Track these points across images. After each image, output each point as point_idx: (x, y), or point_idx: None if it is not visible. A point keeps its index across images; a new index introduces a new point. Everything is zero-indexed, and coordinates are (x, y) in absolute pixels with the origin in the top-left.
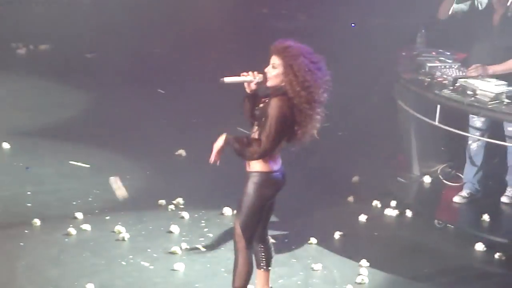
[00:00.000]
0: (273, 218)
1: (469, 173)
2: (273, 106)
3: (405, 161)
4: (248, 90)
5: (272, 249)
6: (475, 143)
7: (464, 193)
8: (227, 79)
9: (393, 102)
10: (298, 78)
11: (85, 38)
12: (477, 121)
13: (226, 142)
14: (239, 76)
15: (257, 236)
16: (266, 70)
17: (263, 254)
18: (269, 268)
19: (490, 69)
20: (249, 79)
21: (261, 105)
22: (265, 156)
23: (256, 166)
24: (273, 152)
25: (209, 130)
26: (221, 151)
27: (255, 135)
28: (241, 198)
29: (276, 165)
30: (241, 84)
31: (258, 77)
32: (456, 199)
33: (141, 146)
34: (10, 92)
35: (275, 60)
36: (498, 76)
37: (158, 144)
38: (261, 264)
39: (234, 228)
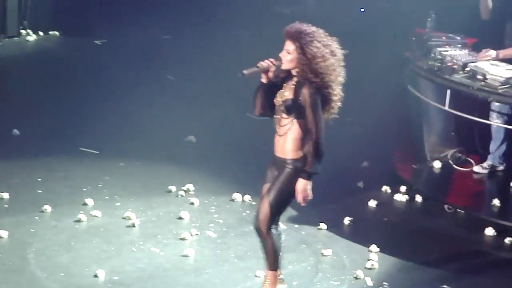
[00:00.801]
0: None
1: (492, 147)
2: (307, 95)
3: (410, 149)
4: (264, 80)
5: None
6: (498, 119)
7: (485, 164)
8: (247, 71)
9: (403, 87)
10: (312, 65)
11: (95, 25)
12: (497, 105)
13: (309, 182)
14: (257, 65)
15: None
16: (280, 55)
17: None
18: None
19: (501, 54)
20: (266, 66)
21: (286, 93)
22: (323, 141)
23: (293, 153)
24: (304, 137)
25: (218, 116)
26: (307, 195)
27: (284, 126)
28: (274, 183)
29: None
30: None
31: (277, 63)
32: (476, 168)
33: (151, 133)
34: (16, 78)
35: (289, 45)
36: (509, 61)
37: (168, 130)
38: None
39: (257, 214)
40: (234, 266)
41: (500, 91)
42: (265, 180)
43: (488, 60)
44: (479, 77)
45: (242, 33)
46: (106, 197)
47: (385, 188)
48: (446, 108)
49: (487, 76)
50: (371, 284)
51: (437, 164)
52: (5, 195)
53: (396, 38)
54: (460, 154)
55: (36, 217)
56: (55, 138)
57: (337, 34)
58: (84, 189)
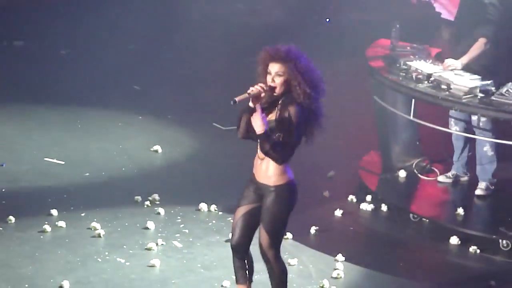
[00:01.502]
0: None
1: (455, 156)
2: (294, 113)
3: (375, 159)
4: (252, 105)
5: (252, 260)
6: (456, 125)
7: (450, 173)
8: (238, 98)
9: (368, 96)
10: (306, 80)
11: (60, 35)
12: (454, 112)
13: (260, 130)
14: (247, 92)
15: (242, 249)
16: (270, 79)
17: (247, 267)
18: (252, 281)
19: (464, 60)
20: (257, 92)
21: (272, 115)
22: (285, 161)
23: (276, 179)
24: (289, 160)
25: (184, 127)
26: (252, 98)
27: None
28: (264, 213)
29: (292, 173)
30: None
31: (266, 87)
32: (441, 178)
33: (116, 143)
34: None
35: (277, 67)
36: (475, 69)
37: (134, 140)
38: (245, 278)
39: (260, 244)
40: (201, 276)
41: (464, 100)
42: (241, 200)
43: (452, 70)
44: (444, 87)
45: (210, 43)
46: (71, 208)
47: (351, 198)
48: (411, 117)
49: (452, 86)
50: None
51: (402, 174)
52: None
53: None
54: (425, 164)
55: (0, 228)
56: (20, 148)
57: (304, 45)
58: (49, 200)
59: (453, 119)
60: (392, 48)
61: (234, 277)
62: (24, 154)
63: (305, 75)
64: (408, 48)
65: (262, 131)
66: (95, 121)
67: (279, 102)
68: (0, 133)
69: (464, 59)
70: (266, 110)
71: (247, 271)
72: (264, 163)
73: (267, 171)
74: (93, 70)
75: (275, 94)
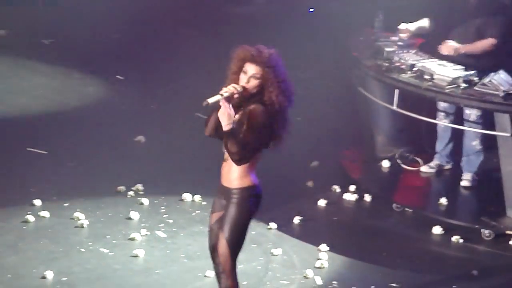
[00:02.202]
0: None
1: (439, 147)
2: (253, 115)
3: (356, 153)
4: (223, 104)
5: None
6: (445, 118)
7: (433, 163)
8: (211, 100)
9: (352, 87)
10: (282, 88)
11: (43, 24)
12: (444, 105)
13: (227, 124)
14: (220, 93)
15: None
16: (244, 80)
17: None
18: None
19: (462, 49)
20: (231, 93)
21: (236, 116)
22: (242, 161)
23: (238, 182)
24: (251, 162)
25: (168, 116)
26: (225, 99)
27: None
28: (224, 218)
29: (256, 178)
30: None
31: (240, 88)
32: (424, 168)
33: (100, 132)
34: None
35: (256, 70)
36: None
37: (117, 130)
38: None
39: (216, 250)
40: (184, 266)
41: (447, 91)
42: (213, 209)
43: (450, 51)
44: (427, 77)
45: (192, 32)
46: (54, 198)
47: (335, 188)
48: (394, 107)
49: (434, 76)
50: (321, 283)
51: (385, 164)
52: None
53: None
54: (408, 154)
55: None
56: (2, 138)
57: (287, 34)
58: (32, 190)
59: (442, 113)
60: (376, 38)
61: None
62: (6, 143)
63: (281, 84)
64: (392, 38)
65: (229, 127)
66: (77, 111)
67: (248, 103)
68: None
69: (466, 48)
70: (235, 109)
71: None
72: (227, 165)
73: (229, 173)
74: (75, 58)
75: (247, 95)
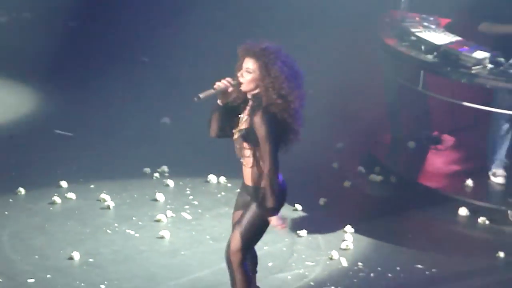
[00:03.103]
0: None
1: (500, 153)
2: (259, 124)
3: (381, 134)
4: (221, 102)
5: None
6: (506, 123)
7: (498, 171)
8: (203, 94)
9: (377, 68)
10: (275, 86)
11: (68, 6)
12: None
13: (275, 215)
14: (213, 87)
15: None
16: (239, 74)
17: (252, 259)
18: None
19: (495, 28)
20: (224, 87)
21: (243, 122)
22: (275, 173)
23: (259, 180)
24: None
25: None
26: (281, 224)
27: (248, 157)
28: (245, 213)
29: (280, 175)
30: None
31: (234, 82)
32: (499, 180)
33: (125, 115)
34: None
35: (249, 63)
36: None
37: (143, 112)
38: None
39: (228, 244)
40: (210, 247)
41: (473, 71)
42: (235, 205)
43: (483, 29)
44: (452, 58)
45: (217, 13)
46: (81, 179)
47: (360, 169)
48: (420, 88)
49: (460, 57)
50: (346, 265)
51: (411, 145)
52: None
53: None
54: (434, 135)
55: (10, 200)
56: (30, 120)
57: (311, 14)
58: (58, 172)
59: (502, 120)
60: (401, 19)
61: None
62: (33, 126)
63: (275, 80)
64: (417, 18)
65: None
66: (103, 92)
67: (249, 105)
68: (10, 104)
69: (500, 29)
70: (238, 110)
71: (252, 262)
72: (250, 168)
73: (254, 174)
74: (102, 41)
75: (242, 90)
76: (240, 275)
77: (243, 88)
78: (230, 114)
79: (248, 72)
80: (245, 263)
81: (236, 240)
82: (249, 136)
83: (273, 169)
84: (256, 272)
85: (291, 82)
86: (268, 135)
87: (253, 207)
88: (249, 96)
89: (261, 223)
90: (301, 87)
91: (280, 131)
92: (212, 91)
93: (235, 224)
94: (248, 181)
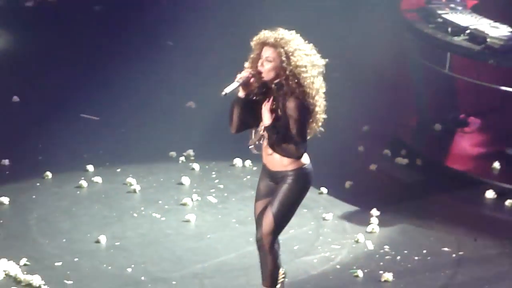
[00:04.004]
0: None
1: None
2: (293, 110)
3: (410, 113)
4: (242, 94)
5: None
6: None
7: None
8: (228, 89)
9: (403, 50)
10: (295, 74)
11: None
12: None
13: (269, 123)
14: (237, 80)
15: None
16: (259, 64)
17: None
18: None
19: None
20: (246, 78)
21: (268, 116)
22: (302, 154)
23: (292, 165)
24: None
25: (218, 82)
26: (242, 86)
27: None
28: (276, 195)
29: (307, 157)
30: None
31: (254, 72)
32: None
33: (151, 98)
34: (19, 45)
35: (269, 52)
36: None
37: (168, 96)
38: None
39: (259, 228)
40: (235, 231)
41: (500, 53)
42: (257, 195)
43: None
44: (480, 39)
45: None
46: (107, 163)
47: (386, 152)
48: (447, 71)
49: (488, 39)
50: (372, 248)
51: (437, 127)
52: (6, 162)
53: None
54: (461, 117)
55: (37, 184)
56: (56, 104)
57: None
58: (85, 156)
59: None
60: (428, 0)
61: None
62: (60, 110)
63: (294, 68)
64: (444, 0)
65: (269, 123)
66: (128, 77)
67: (277, 94)
68: (35, 90)
69: None
70: (258, 102)
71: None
72: (276, 155)
73: (281, 159)
74: (126, 25)
75: (263, 79)
76: (272, 256)
77: (264, 77)
78: (251, 106)
79: (268, 61)
80: (275, 247)
81: (269, 222)
82: (282, 123)
83: (301, 154)
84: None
85: (310, 70)
86: (301, 118)
87: (284, 189)
88: (271, 84)
89: (294, 202)
90: (319, 74)
91: (308, 116)
92: (236, 83)
93: (259, 215)
94: (278, 167)
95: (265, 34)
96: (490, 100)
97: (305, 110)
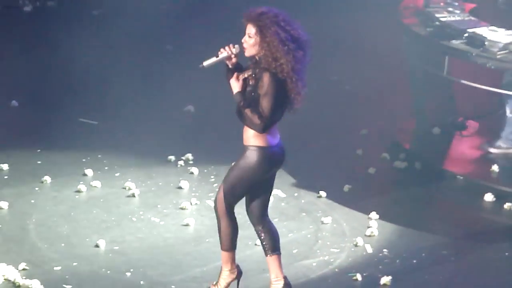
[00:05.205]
0: (282, 173)
1: (507, 130)
2: (265, 82)
3: (409, 116)
4: (230, 65)
5: (275, 230)
6: None
7: (499, 144)
8: (206, 62)
9: (401, 53)
10: (271, 49)
11: None
12: None
13: (236, 91)
14: (217, 55)
15: (255, 218)
16: (242, 40)
17: (263, 238)
18: (275, 252)
19: None
20: (226, 55)
21: (250, 81)
22: (265, 130)
23: (252, 140)
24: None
25: (217, 86)
26: (233, 80)
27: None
28: (232, 167)
29: (274, 139)
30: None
31: (235, 50)
32: (492, 150)
33: (149, 103)
34: (16, 50)
35: (250, 28)
36: None
37: (167, 100)
38: (265, 250)
39: (217, 192)
40: None
41: (498, 56)
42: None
43: None
44: (478, 43)
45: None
46: (106, 168)
47: (384, 155)
48: (445, 74)
49: (486, 42)
50: (371, 251)
51: (436, 131)
52: (5, 166)
53: None
54: (459, 120)
55: (36, 188)
56: (54, 108)
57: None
58: (83, 160)
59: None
60: (426, 4)
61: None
62: (58, 114)
63: (271, 43)
64: (442, 4)
65: (236, 91)
66: (127, 81)
67: (256, 69)
68: (33, 95)
69: None
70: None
71: (265, 241)
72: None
73: (247, 132)
74: (125, 30)
75: (246, 55)
76: (224, 221)
77: (246, 53)
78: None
79: (250, 37)
80: (229, 213)
81: (220, 194)
82: (252, 92)
83: (263, 128)
84: (277, 250)
85: (286, 45)
86: (270, 93)
87: (239, 162)
88: (256, 58)
89: (244, 176)
90: (300, 49)
91: (283, 91)
92: (215, 58)
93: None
94: (244, 140)
95: (249, 11)
96: (488, 103)
97: (277, 86)
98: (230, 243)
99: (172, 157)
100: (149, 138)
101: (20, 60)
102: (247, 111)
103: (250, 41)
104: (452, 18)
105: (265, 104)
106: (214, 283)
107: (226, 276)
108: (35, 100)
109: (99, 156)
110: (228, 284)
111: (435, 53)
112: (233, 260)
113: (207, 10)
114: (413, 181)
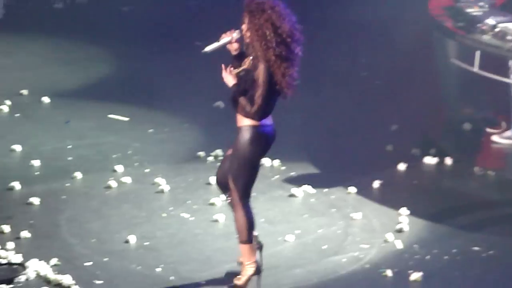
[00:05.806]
0: (312, 169)
1: None
2: (258, 71)
3: (440, 111)
4: (233, 51)
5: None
6: None
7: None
8: (208, 48)
9: (431, 48)
10: (259, 38)
11: None
12: None
13: (232, 84)
14: (219, 40)
15: (223, 187)
16: (242, 27)
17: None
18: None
19: None
20: (227, 40)
21: (245, 66)
22: (259, 116)
23: (245, 121)
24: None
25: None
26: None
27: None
28: (232, 153)
29: (266, 121)
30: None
31: (236, 34)
32: (499, 139)
33: (179, 99)
34: (48, 47)
35: (245, 17)
36: None
37: (197, 96)
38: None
39: (223, 179)
40: (264, 230)
41: None
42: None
43: None
44: (509, 37)
45: None
46: (136, 164)
47: (415, 151)
48: (476, 69)
49: None
50: (401, 247)
51: (467, 126)
52: (36, 163)
53: None
54: (491, 115)
55: (67, 184)
56: (85, 105)
57: None
58: (113, 156)
59: None
60: None
61: None
62: (88, 111)
63: (258, 32)
64: None
65: (232, 84)
66: (157, 77)
67: (252, 56)
68: (64, 91)
69: None
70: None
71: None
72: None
73: (240, 116)
74: (154, 26)
75: (245, 41)
76: (239, 211)
77: (245, 40)
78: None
79: (244, 26)
80: (245, 205)
81: (231, 182)
82: (246, 78)
83: (256, 114)
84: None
85: (272, 34)
86: (263, 82)
87: (236, 146)
88: (247, 43)
89: (245, 160)
90: (285, 43)
91: (277, 78)
92: (216, 44)
93: (226, 157)
94: (238, 121)
95: (247, 1)
96: None
97: (270, 76)
98: (246, 235)
99: (201, 153)
100: (179, 134)
101: (50, 55)
102: (242, 100)
103: (245, 29)
104: (483, 13)
105: (258, 92)
106: (238, 277)
107: (245, 270)
108: (65, 96)
109: (129, 152)
110: (249, 279)
111: (466, 48)
112: (251, 253)
113: (236, 5)
114: (444, 176)
